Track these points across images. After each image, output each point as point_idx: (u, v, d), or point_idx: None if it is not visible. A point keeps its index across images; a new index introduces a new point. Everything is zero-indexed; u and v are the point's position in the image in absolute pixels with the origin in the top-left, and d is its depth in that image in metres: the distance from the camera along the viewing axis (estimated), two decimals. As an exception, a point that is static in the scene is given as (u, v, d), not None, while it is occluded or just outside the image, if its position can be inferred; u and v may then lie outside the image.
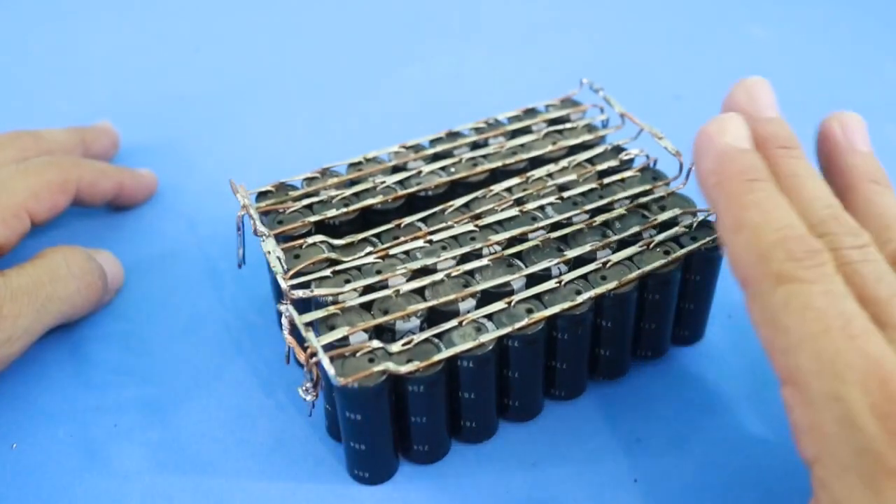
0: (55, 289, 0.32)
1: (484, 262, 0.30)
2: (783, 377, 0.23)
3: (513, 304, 0.29)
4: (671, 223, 0.32)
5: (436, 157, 0.35)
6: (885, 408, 0.21)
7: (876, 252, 0.24)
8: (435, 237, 0.31)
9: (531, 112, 0.38)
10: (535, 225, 0.32)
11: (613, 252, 0.31)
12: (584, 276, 0.30)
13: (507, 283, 0.30)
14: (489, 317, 0.29)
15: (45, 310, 0.32)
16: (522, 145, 0.36)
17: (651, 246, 0.31)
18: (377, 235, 0.32)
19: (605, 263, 0.30)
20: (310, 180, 0.34)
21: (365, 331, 0.28)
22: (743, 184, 0.25)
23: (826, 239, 0.24)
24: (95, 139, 0.42)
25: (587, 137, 0.36)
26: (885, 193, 0.27)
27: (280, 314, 0.28)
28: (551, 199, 0.33)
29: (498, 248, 0.31)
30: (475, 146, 0.36)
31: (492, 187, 0.33)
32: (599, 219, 0.32)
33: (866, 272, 0.23)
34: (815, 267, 0.23)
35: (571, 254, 0.31)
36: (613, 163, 0.35)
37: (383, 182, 0.34)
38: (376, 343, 0.27)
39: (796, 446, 0.23)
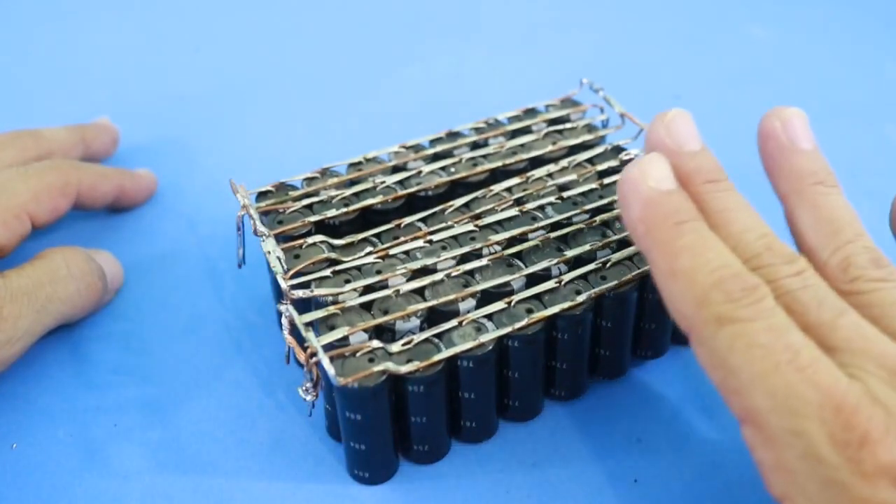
0: (55, 289, 0.32)
1: (484, 262, 0.30)
2: (741, 417, 0.23)
3: (513, 304, 0.29)
4: (671, 223, 0.32)
5: (436, 157, 0.35)
6: (843, 436, 0.21)
7: (813, 275, 0.24)
8: (435, 237, 0.31)
9: (531, 112, 0.38)
10: (535, 225, 0.32)
11: (613, 252, 0.31)
12: (584, 276, 0.30)
13: (507, 283, 0.30)
14: (489, 317, 0.29)
15: (46, 310, 0.32)
16: (522, 145, 0.36)
17: (651, 246, 0.31)
18: (377, 235, 0.32)
19: (605, 263, 0.30)
20: (310, 180, 0.34)
21: (365, 331, 0.28)
22: (671, 229, 0.24)
23: (762, 271, 0.24)
24: (96, 137, 0.42)
25: (587, 137, 0.36)
26: (832, 194, 0.26)
27: (280, 314, 0.28)
28: (551, 199, 0.33)
29: (498, 248, 0.31)
30: (475, 146, 0.36)
31: (492, 187, 0.33)
32: (599, 219, 0.32)
33: (807, 299, 0.23)
34: (754, 303, 0.22)
35: (571, 253, 0.31)
36: (613, 163, 0.35)
37: (383, 182, 0.34)
38: (376, 343, 0.27)
39: (765, 485, 0.22)
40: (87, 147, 0.41)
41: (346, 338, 0.28)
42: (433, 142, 0.36)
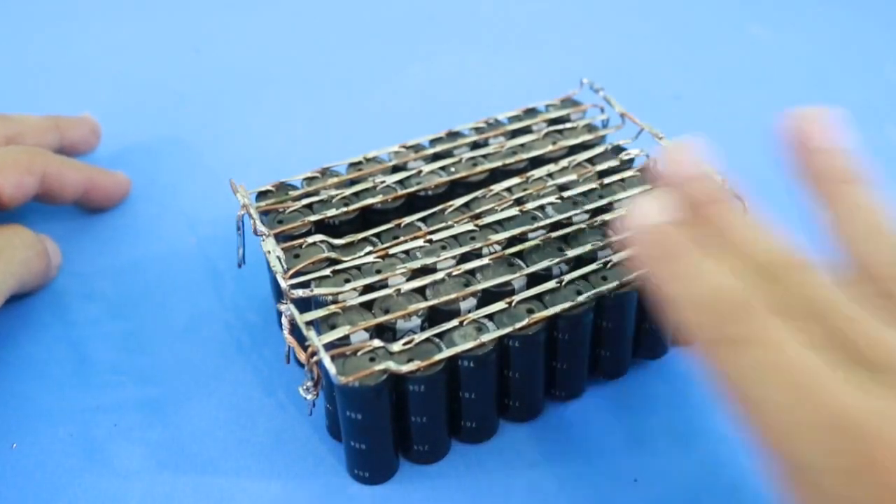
0: (13, 254, 0.33)
1: (485, 261, 0.30)
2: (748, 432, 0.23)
3: (513, 304, 0.29)
4: (671, 223, 0.32)
5: (436, 157, 0.35)
6: (854, 462, 0.20)
7: (824, 284, 0.23)
8: (435, 237, 0.31)
9: (531, 112, 0.38)
10: (536, 224, 0.32)
11: (614, 252, 0.31)
12: (585, 277, 0.30)
13: (508, 283, 0.30)
14: (490, 317, 0.29)
15: (9, 272, 0.33)
16: (522, 145, 0.36)
17: (651, 246, 0.31)
18: (377, 235, 0.32)
19: (605, 264, 0.30)
20: (310, 180, 0.34)
21: (366, 330, 0.28)
22: (667, 260, 0.25)
23: (772, 286, 0.23)
24: (71, 126, 0.41)
25: (587, 137, 0.36)
26: (858, 194, 0.26)
27: (280, 314, 0.28)
28: (551, 198, 0.33)
29: (498, 247, 0.31)
30: (475, 146, 0.36)
31: (492, 187, 0.33)
32: (600, 219, 0.32)
33: (824, 310, 0.23)
34: (749, 322, 0.22)
35: (572, 253, 0.31)
36: (613, 163, 0.35)
37: (383, 182, 0.34)
38: (377, 342, 0.27)
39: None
40: (62, 135, 0.41)
41: (347, 337, 0.28)
42: (433, 142, 0.36)
